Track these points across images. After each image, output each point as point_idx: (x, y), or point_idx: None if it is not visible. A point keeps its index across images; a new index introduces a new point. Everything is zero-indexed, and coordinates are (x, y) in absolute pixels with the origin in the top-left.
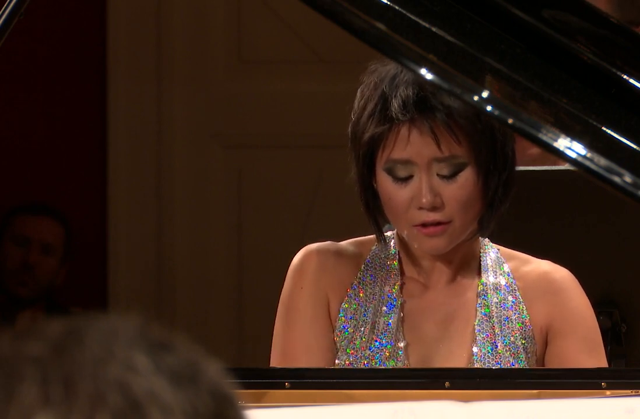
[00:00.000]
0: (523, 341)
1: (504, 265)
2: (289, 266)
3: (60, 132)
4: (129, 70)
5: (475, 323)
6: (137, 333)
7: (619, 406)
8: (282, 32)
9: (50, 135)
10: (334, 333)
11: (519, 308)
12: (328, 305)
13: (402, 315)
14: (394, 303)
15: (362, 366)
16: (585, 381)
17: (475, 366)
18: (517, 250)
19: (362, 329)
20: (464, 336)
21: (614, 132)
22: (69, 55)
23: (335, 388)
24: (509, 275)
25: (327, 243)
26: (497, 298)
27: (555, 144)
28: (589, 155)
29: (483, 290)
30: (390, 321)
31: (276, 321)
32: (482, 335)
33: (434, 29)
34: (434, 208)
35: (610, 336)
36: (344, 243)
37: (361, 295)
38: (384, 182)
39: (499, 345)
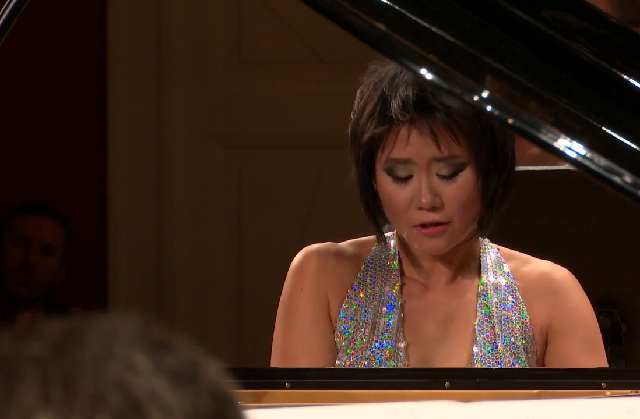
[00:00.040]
0: (523, 341)
1: (504, 265)
2: (289, 266)
3: (60, 132)
4: (129, 70)
5: (476, 323)
6: (137, 333)
7: (619, 406)
8: (282, 32)
9: (50, 135)
10: (334, 334)
11: (519, 308)
12: (328, 306)
13: (402, 315)
14: (394, 303)
15: (363, 367)
16: (585, 381)
17: (476, 366)
18: (517, 250)
19: (363, 330)
20: (464, 337)
21: (614, 132)
22: (69, 55)
23: (335, 388)
24: (509, 275)
25: (326, 244)
26: (497, 298)
27: (555, 144)
28: (589, 155)
29: (483, 290)
30: (390, 321)
31: (276, 322)
32: (482, 335)
33: (434, 29)
34: (433, 209)
35: (610, 336)
36: (343, 243)
37: (361, 295)
38: (384, 182)
39: (499, 345)
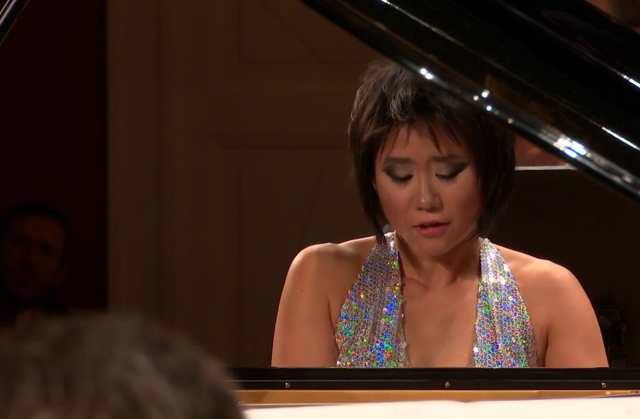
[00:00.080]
0: (524, 342)
1: (504, 265)
2: (288, 266)
3: (60, 132)
4: (129, 70)
5: (476, 324)
6: (137, 333)
7: (619, 406)
8: (282, 32)
9: (50, 135)
10: (334, 335)
11: (520, 308)
12: (328, 307)
13: (402, 315)
14: (395, 304)
15: (364, 367)
16: (585, 381)
17: (477, 366)
18: (517, 250)
19: (363, 330)
20: (464, 337)
21: (614, 132)
22: (69, 55)
23: (335, 388)
24: (509, 275)
25: (326, 245)
26: (498, 299)
27: (555, 144)
28: (589, 155)
29: (483, 290)
30: (391, 322)
31: (276, 323)
32: (482, 335)
33: (434, 29)
34: (433, 209)
35: (610, 336)
36: (343, 244)
37: (361, 296)
38: (383, 182)
39: (499, 345)
